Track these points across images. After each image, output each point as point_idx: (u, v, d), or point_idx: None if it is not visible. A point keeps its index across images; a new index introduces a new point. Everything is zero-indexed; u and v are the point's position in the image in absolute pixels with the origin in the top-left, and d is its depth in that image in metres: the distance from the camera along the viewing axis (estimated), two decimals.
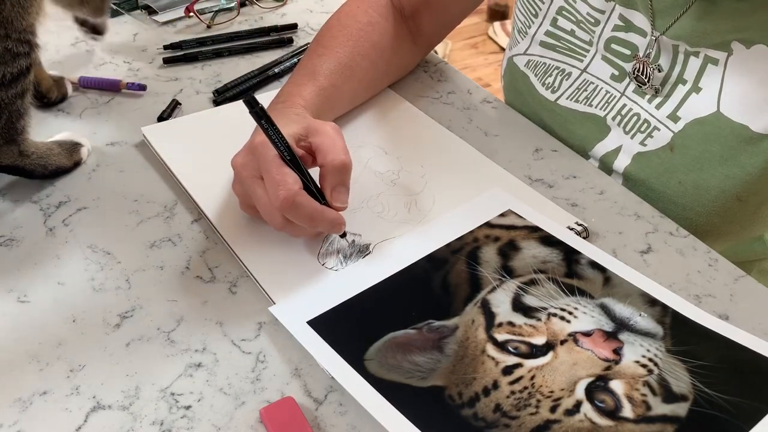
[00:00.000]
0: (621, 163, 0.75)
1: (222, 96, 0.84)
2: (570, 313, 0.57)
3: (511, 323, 0.56)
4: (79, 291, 0.60)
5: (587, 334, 0.56)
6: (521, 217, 0.66)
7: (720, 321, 0.58)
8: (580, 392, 0.51)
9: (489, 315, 0.57)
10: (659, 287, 0.60)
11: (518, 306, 0.58)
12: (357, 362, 0.53)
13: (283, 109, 0.68)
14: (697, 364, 0.54)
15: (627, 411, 0.51)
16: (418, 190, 0.70)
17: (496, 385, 0.52)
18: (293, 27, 0.98)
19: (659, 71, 0.72)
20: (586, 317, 0.57)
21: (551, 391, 0.52)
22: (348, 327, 0.56)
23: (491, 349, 0.55)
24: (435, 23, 0.86)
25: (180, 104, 0.82)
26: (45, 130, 0.75)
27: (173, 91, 0.85)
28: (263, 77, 0.87)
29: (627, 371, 0.53)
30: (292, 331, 0.56)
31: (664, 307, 0.58)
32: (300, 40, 0.96)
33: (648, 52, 0.72)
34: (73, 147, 0.72)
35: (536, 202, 0.69)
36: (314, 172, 0.62)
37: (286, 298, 0.59)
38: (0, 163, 0.66)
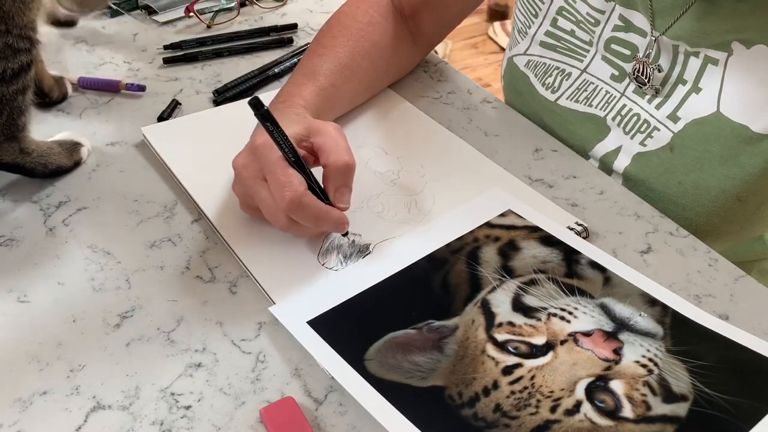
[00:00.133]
0: (621, 163, 0.75)
1: (222, 96, 0.84)
2: (570, 313, 0.57)
3: (511, 323, 0.56)
4: (79, 291, 0.60)
5: (587, 334, 0.56)
6: (521, 217, 0.66)
7: (720, 321, 0.58)
8: (580, 392, 0.51)
9: (489, 315, 0.57)
10: (659, 287, 0.60)
11: (518, 306, 0.58)
12: (357, 362, 0.53)
13: (283, 109, 0.68)
14: (697, 364, 0.54)
15: (627, 411, 0.51)
16: (418, 190, 0.70)
17: (496, 385, 0.52)
18: (293, 27, 0.98)
19: (659, 71, 0.72)
20: (586, 317, 0.57)
21: (551, 391, 0.52)
22: (348, 327, 0.56)
23: (491, 349, 0.55)
24: (435, 23, 0.86)
25: (180, 104, 0.82)
26: (45, 130, 0.75)
27: (173, 91, 0.85)
28: (263, 77, 0.87)
29: (627, 371, 0.53)
30: (292, 331, 0.56)
31: (664, 307, 0.58)
32: (300, 40, 0.96)
33: (648, 52, 0.72)
34: (74, 147, 0.72)
35: (536, 202, 0.69)
36: (316, 172, 0.62)
37: (286, 298, 0.59)
38: (1, 160, 0.66)
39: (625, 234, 0.67)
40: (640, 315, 0.57)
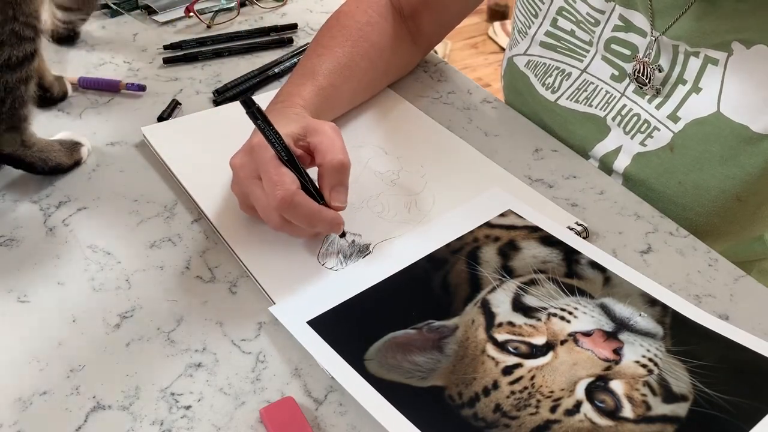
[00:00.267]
0: (621, 163, 0.75)
1: (222, 96, 0.84)
2: (570, 313, 0.57)
3: (511, 323, 0.56)
4: (79, 291, 0.60)
5: (587, 334, 0.56)
6: (521, 217, 0.66)
7: (720, 321, 0.58)
8: (580, 392, 0.51)
9: (489, 315, 0.57)
10: (659, 287, 0.60)
11: (518, 306, 0.58)
12: (357, 362, 0.53)
13: (282, 109, 0.68)
14: (697, 364, 0.54)
15: (627, 411, 0.51)
16: (418, 190, 0.70)
17: (496, 385, 0.52)
18: (293, 27, 0.98)
19: (659, 71, 0.72)
20: (586, 317, 0.57)
21: (551, 391, 0.52)
22: (348, 327, 0.56)
23: (491, 349, 0.55)
24: (435, 23, 0.86)
25: (180, 104, 0.82)
26: (45, 130, 0.74)
27: (173, 91, 0.85)
28: (263, 77, 0.87)
29: (627, 371, 0.53)
30: (292, 331, 0.56)
31: (664, 307, 0.58)
32: (300, 40, 0.96)
33: (648, 52, 0.72)
34: (74, 146, 0.72)
35: (536, 202, 0.69)
36: (313, 173, 0.62)
37: (286, 298, 0.59)
38: (2, 151, 0.66)
39: (625, 234, 0.67)
40: (640, 315, 0.57)
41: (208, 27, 0.98)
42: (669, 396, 0.52)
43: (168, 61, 0.90)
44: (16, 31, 0.62)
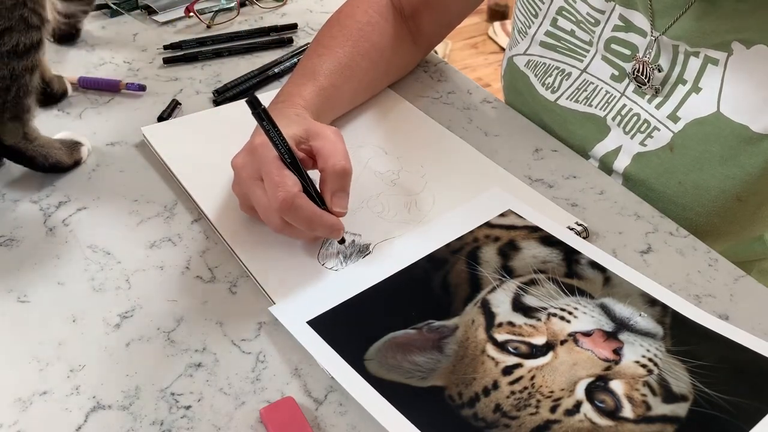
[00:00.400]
0: (621, 163, 0.75)
1: (222, 96, 0.84)
2: (570, 313, 0.57)
3: (511, 323, 0.57)
4: (79, 291, 0.60)
5: (587, 334, 0.56)
6: (521, 217, 0.66)
7: (720, 321, 0.58)
8: (580, 392, 0.52)
9: (489, 315, 0.57)
10: (659, 287, 0.60)
11: (518, 306, 0.58)
12: (357, 362, 0.53)
13: (282, 109, 0.68)
14: (697, 364, 0.54)
15: (627, 411, 0.51)
16: (418, 190, 0.70)
17: (496, 385, 0.52)
18: (293, 27, 0.98)
19: (659, 71, 0.72)
20: (586, 317, 0.57)
21: (551, 391, 0.52)
22: (348, 327, 0.56)
23: (491, 349, 0.55)
24: (435, 23, 0.86)
25: (180, 104, 0.82)
26: (45, 129, 0.74)
27: (173, 91, 0.85)
28: (263, 77, 0.87)
29: (627, 371, 0.53)
30: (292, 331, 0.56)
31: (664, 307, 0.58)
32: (300, 40, 0.96)
33: (648, 52, 0.72)
34: (74, 145, 0.72)
35: (536, 202, 0.69)
36: (314, 176, 0.62)
37: (286, 298, 0.59)
38: (4, 142, 0.66)
39: (625, 234, 0.67)
40: (640, 315, 0.57)
41: (208, 27, 0.98)
42: (669, 396, 0.52)
43: (168, 61, 0.90)
44: (24, 17, 0.62)
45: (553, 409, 0.50)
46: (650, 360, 0.54)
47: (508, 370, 0.53)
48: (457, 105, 0.84)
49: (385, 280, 0.60)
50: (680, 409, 0.51)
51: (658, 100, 0.73)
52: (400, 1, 0.84)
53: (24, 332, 0.57)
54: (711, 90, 0.69)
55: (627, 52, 0.74)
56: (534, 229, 0.65)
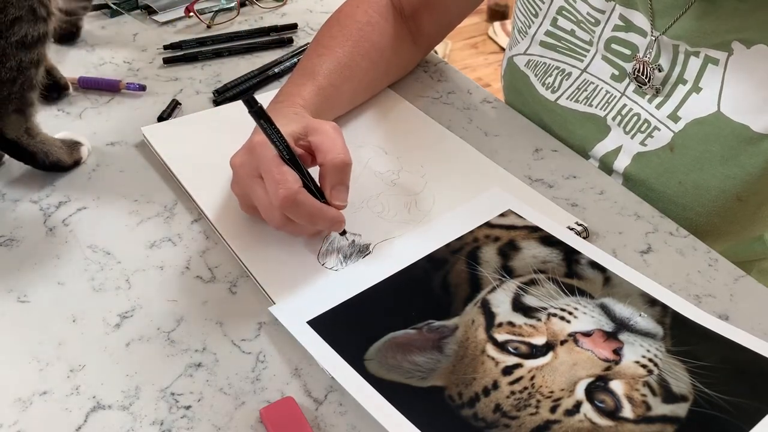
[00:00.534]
0: (621, 163, 0.75)
1: (222, 96, 0.84)
2: (570, 313, 0.57)
3: (511, 323, 0.56)
4: (79, 291, 0.60)
5: (587, 335, 0.56)
6: (521, 217, 0.66)
7: (720, 321, 0.58)
8: (580, 392, 0.51)
9: (489, 315, 0.57)
10: (659, 287, 0.60)
11: (518, 306, 0.58)
12: (357, 362, 0.53)
13: (282, 109, 0.68)
14: (697, 365, 0.54)
15: (627, 411, 0.51)
16: (418, 190, 0.70)
17: (496, 386, 0.52)
18: (293, 27, 0.98)
19: (659, 71, 0.72)
20: (586, 317, 0.57)
21: (551, 392, 0.52)
22: (348, 327, 0.56)
23: (491, 349, 0.55)
24: (435, 23, 0.86)
25: (180, 104, 0.82)
26: (45, 129, 0.74)
27: (173, 91, 0.85)
28: (263, 77, 0.87)
29: (627, 371, 0.53)
30: (292, 331, 0.56)
31: (664, 307, 0.58)
32: (300, 40, 0.96)
33: (648, 52, 0.72)
34: (74, 145, 0.73)
35: (536, 202, 0.69)
36: (313, 172, 0.62)
37: (286, 298, 0.59)
38: (5, 135, 0.66)
39: (625, 234, 0.67)
40: (640, 315, 0.57)
41: (208, 27, 0.98)
42: (669, 396, 0.52)
43: (168, 61, 0.90)
44: (33, 8, 0.62)
45: (553, 409, 0.50)
46: (650, 360, 0.54)
47: (508, 370, 0.53)
48: (457, 105, 0.84)
49: (385, 280, 0.60)
50: (680, 410, 0.51)
51: (658, 100, 0.73)
52: (400, 1, 0.84)
53: (24, 332, 0.57)
54: (711, 90, 0.69)
55: (627, 51, 0.74)
56: (534, 229, 0.65)
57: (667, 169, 0.72)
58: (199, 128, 0.78)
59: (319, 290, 0.59)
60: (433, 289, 0.60)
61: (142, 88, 0.84)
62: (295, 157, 0.60)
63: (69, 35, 0.92)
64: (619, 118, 0.76)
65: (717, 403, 0.51)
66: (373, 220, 0.67)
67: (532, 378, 0.52)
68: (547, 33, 0.81)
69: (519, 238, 0.64)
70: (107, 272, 0.62)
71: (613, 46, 0.75)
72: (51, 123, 0.78)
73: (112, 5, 1.00)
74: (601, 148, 0.77)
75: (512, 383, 0.52)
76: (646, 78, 0.73)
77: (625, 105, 0.75)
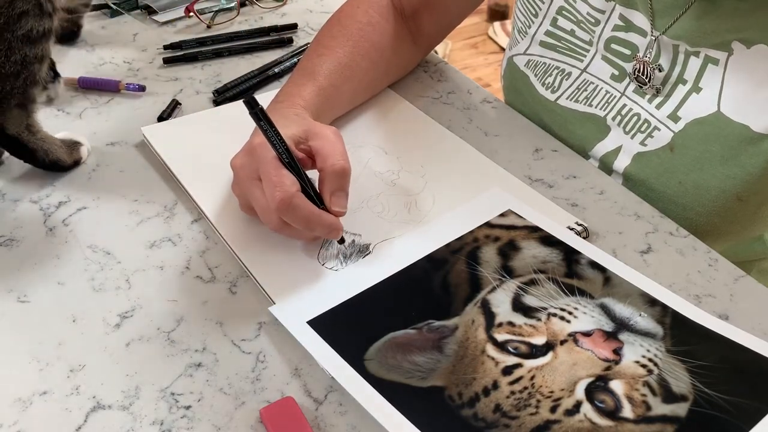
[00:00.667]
0: (621, 163, 0.75)
1: (222, 96, 0.84)
2: (570, 313, 0.57)
3: (511, 323, 0.56)
4: (79, 291, 0.60)
5: (587, 334, 0.56)
6: (521, 217, 0.66)
7: (720, 321, 0.58)
8: (580, 392, 0.51)
9: (489, 315, 0.57)
10: (659, 287, 0.60)
11: (518, 306, 0.58)
12: (357, 362, 0.53)
13: (282, 109, 0.68)
14: (697, 365, 0.54)
15: (627, 411, 0.51)
16: (418, 190, 0.70)
17: (495, 386, 0.52)
18: (293, 27, 0.98)
19: (659, 71, 0.72)
20: (586, 317, 0.57)
21: (551, 392, 0.52)
22: (348, 327, 0.56)
23: (491, 349, 0.55)
24: (435, 23, 0.86)
25: (180, 104, 0.82)
26: (45, 129, 0.75)
27: (173, 91, 0.85)
28: (263, 77, 0.87)
29: (627, 371, 0.53)
30: (292, 331, 0.56)
31: (664, 307, 0.58)
32: (300, 40, 0.96)
33: (648, 52, 0.72)
34: (74, 145, 0.73)
35: (536, 202, 0.69)
36: (313, 176, 0.62)
37: (286, 298, 0.59)
38: (6, 131, 0.66)
39: (625, 234, 0.67)
40: (640, 315, 0.57)
41: (208, 27, 0.98)
42: (669, 396, 0.52)
43: (168, 61, 0.90)
44: (40, 3, 0.63)
45: (553, 409, 0.50)
46: (650, 360, 0.54)
47: (508, 370, 0.53)
48: (457, 105, 0.84)
49: (385, 280, 0.60)
50: (680, 409, 0.51)
51: (658, 99, 0.73)
52: (401, 2, 0.84)
53: (24, 332, 0.57)
54: (711, 90, 0.69)
55: (627, 51, 0.74)
56: (534, 229, 0.65)
57: (667, 169, 0.72)
58: (199, 128, 0.78)
59: (319, 290, 0.59)
60: (433, 289, 0.60)
61: (142, 88, 0.84)
62: (295, 160, 0.59)
63: (70, 34, 0.92)
64: (619, 118, 0.76)
65: (717, 402, 0.51)
66: (373, 220, 0.67)
67: (532, 378, 0.52)
68: (547, 33, 0.81)
69: (519, 238, 0.64)
70: (107, 272, 0.62)
71: (613, 46, 0.75)
72: (51, 123, 0.78)
73: (112, 5, 1.00)
74: (601, 148, 0.77)
75: (512, 383, 0.52)
76: (646, 78, 0.73)
77: (625, 105, 0.75)
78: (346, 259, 0.62)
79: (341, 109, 0.78)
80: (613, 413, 0.50)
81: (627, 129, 0.75)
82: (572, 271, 0.61)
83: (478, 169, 0.73)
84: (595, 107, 0.77)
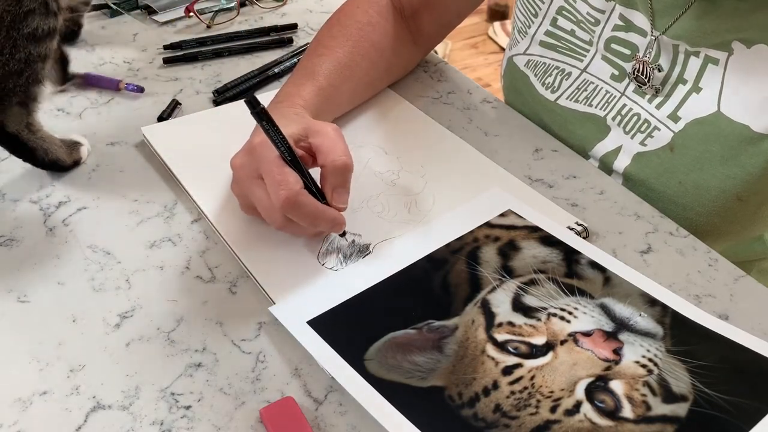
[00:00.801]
0: (621, 163, 0.75)
1: (222, 96, 0.84)
2: (570, 313, 0.57)
3: (511, 323, 0.56)
4: (79, 291, 0.60)
5: (587, 334, 0.56)
6: (521, 217, 0.66)
7: (720, 321, 0.58)
8: (580, 392, 0.51)
9: (489, 315, 0.57)
10: (659, 287, 0.60)
11: (518, 306, 0.58)
12: (357, 362, 0.53)
13: (282, 109, 0.68)
14: (697, 365, 0.54)
15: (627, 411, 0.51)
16: (418, 190, 0.70)
17: (496, 386, 0.52)
18: (293, 27, 0.98)
19: (659, 71, 0.72)
20: (586, 317, 0.57)
21: (551, 392, 0.52)
22: (348, 327, 0.56)
23: (491, 349, 0.55)
24: (435, 23, 0.86)
25: (180, 104, 0.82)
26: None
27: (173, 91, 0.85)
28: (263, 77, 0.87)
29: (627, 371, 0.53)
30: (292, 331, 0.56)
31: (664, 307, 0.58)
32: (300, 40, 0.96)
33: (648, 51, 0.72)
34: (73, 145, 0.73)
35: (536, 202, 0.69)
36: (314, 173, 0.62)
37: (286, 298, 0.59)
38: (7, 128, 0.66)
39: (625, 234, 0.67)
40: (640, 315, 0.57)
41: (208, 27, 0.98)
42: (669, 396, 0.52)
43: (168, 61, 0.90)
44: (46, 2, 0.63)
45: (553, 409, 0.50)
46: (650, 360, 0.54)
47: (508, 370, 0.53)
48: (457, 105, 0.84)
49: (385, 280, 0.60)
50: (680, 409, 0.51)
51: (658, 99, 0.73)
52: (401, 1, 0.84)
53: (24, 332, 0.57)
54: (711, 90, 0.69)
55: (627, 51, 0.74)
56: (534, 229, 0.65)
57: (667, 169, 0.72)
58: (199, 128, 0.78)
59: (319, 290, 0.59)
60: (433, 289, 0.60)
61: (140, 89, 0.84)
62: (297, 158, 0.60)
63: (70, 34, 0.92)
64: (618, 118, 0.76)
65: (717, 402, 0.51)
66: (373, 220, 0.67)
67: (532, 378, 0.52)
68: (547, 33, 0.81)
69: (519, 238, 0.64)
70: (107, 272, 0.62)
71: (613, 45, 0.75)
72: (51, 123, 0.78)
73: (112, 5, 1.00)
74: (601, 148, 0.77)
75: (512, 383, 0.52)
76: (646, 78, 0.73)
77: (624, 105, 0.75)
78: (346, 259, 0.62)
79: (341, 109, 0.78)
80: (613, 413, 0.50)
81: (627, 129, 0.75)
82: (572, 271, 0.61)
83: (478, 169, 0.73)
84: (595, 107, 0.77)
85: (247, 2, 1.03)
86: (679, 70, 0.71)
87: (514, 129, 0.80)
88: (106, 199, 0.69)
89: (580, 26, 0.78)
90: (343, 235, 0.63)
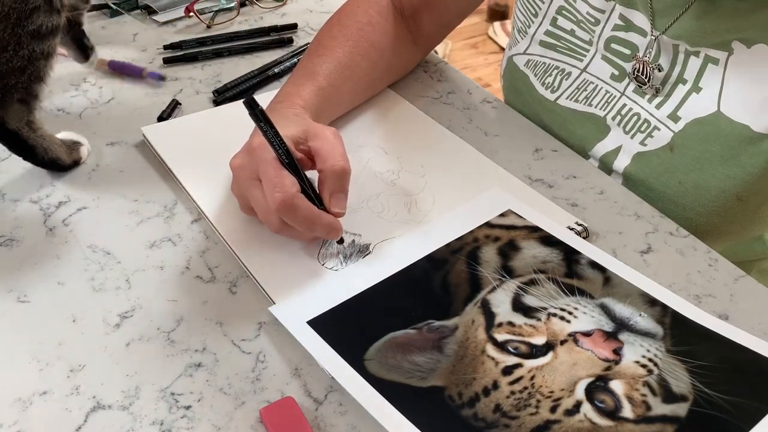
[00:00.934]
0: (621, 163, 0.75)
1: (222, 96, 0.84)
2: (570, 313, 0.57)
3: (511, 323, 0.56)
4: (79, 291, 0.60)
5: (587, 334, 0.56)
6: (521, 217, 0.66)
7: (720, 321, 0.58)
8: (580, 392, 0.51)
9: (489, 315, 0.57)
10: (659, 287, 0.60)
11: (518, 306, 0.58)
12: (357, 362, 0.53)
13: (281, 109, 0.68)
14: (697, 365, 0.54)
15: (627, 411, 0.51)
16: (418, 190, 0.70)
17: (495, 386, 0.52)
18: (293, 27, 0.98)
19: (659, 71, 0.72)
20: (586, 317, 0.57)
21: (551, 392, 0.52)
22: (348, 327, 0.56)
23: (491, 349, 0.55)
24: (435, 23, 0.86)
25: (180, 104, 0.82)
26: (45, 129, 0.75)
27: (173, 91, 0.85)
28: (263, 77, 0.87)
29: (627, 371, 0.53)
30: (292, 331, 0.56)
31: (664, 307, 0.58)
32: (300, 40, 0.96)
33: (648, 51, 0.72)
34: (73, 145, 0.73)
35: (536, 202, 0.69)
36: (312, 176, 0.62)
37: (286, 298, 0.59)
38: (7, 125, 0.66)
39: (625, 234, 0.67)
40: (640, 315, 0.57)
41: (208, 27, 0.98)
42: (669, 396, 0.52)
43: (168, 61, 0.90)
44: (51, 1, 0.63)
45: (553, 409, 0.50)
46: (650, 360, 0.54)
47: (508, 370, 0.53)
48: (457, 105, 0.84)
49: (385, 280, 0.60)
50: (680, 409, 0.51)
51: (658, 99, 0.73)
52: (401, 2, 0.84)
53: (24, 332, 0.57)
54: (711, 89, 0.69)
55: (627, 51, 0.74)
56: (534, 229, 0.65)
57: (667, 169, 0.72)
58: (199, 128, 0.78)
59: (319, 290, 0.59)
60: (433, 289, 0.60)
61: (162, 77, 0.86)
62: (294, 161, 0.59)
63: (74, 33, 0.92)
64: (618, 117, 0.76)
65: (717, 402, 0.51)
66: (373, 220, 0.67)
67: (532, 378, 0.52)
68: (547, 33, 0.81)
69: (519, 238, 0.64)
70: (107, 272, 0.62)
71: (613, 45, 0.75)
72: (51, 123, 0.78)
73: (112, 5, 1.00)
74: (601, 148, 0.77)
75: (512, 383, 0.52)
76: (645, 78, 0.73)
77: (624, 105, 0.75)
78: (346, 259, 0.62)
79: (341, 110, 0.78)
80: (613, 413, 0.50)
81: (627, 129, 0.75)
82: (572, 271, 0.61)
83: (478, 169, 0.73)
84: (595, 107, 0.77)
85: (247, 2, 1.03)
86: (679, 69, 0.71)
87: (514, 129, 0.80)
88: (106, 199, 0.69)
89: (580, 26, 0.78)
90: (341, 242, 0.63)
